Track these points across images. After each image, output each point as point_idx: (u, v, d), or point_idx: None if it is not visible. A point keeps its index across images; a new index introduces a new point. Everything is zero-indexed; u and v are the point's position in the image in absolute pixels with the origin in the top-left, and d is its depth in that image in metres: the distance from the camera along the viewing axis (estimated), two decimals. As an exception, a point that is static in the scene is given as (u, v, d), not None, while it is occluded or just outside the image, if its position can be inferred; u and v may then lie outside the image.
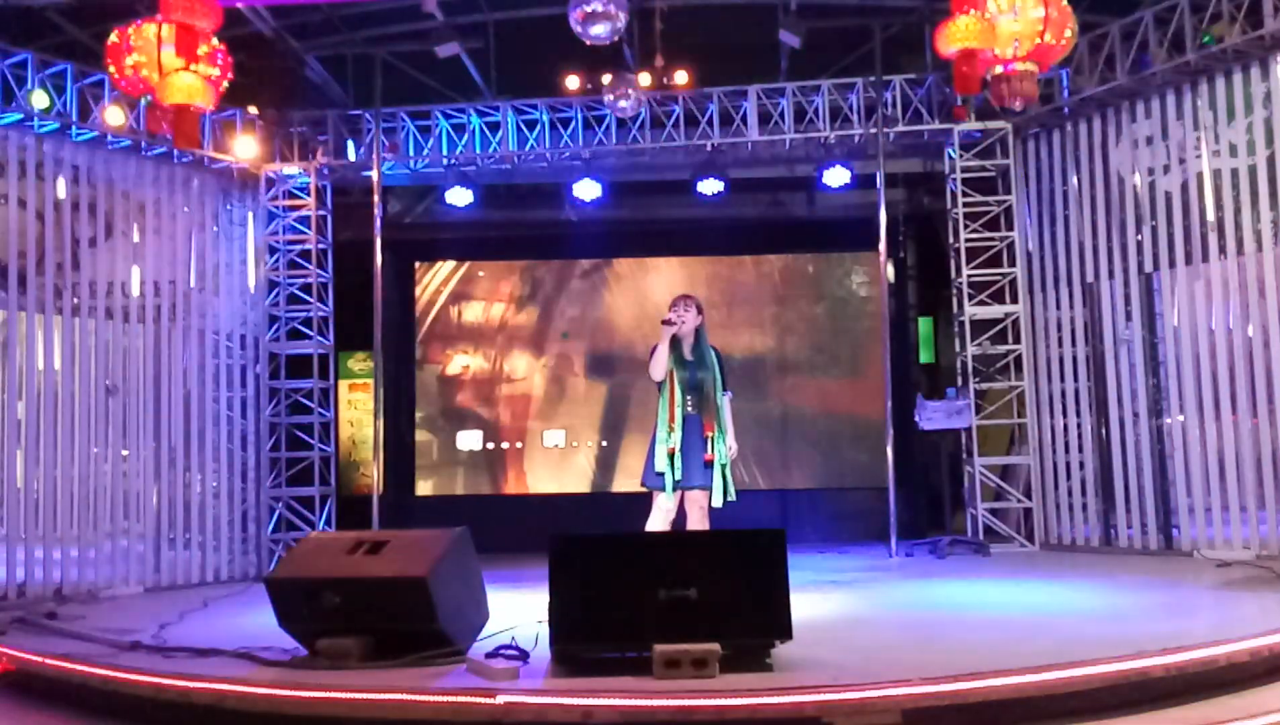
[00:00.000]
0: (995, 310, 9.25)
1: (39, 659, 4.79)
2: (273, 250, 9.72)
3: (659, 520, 5.92)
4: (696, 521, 5.96)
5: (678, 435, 5.88)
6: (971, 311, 9.28)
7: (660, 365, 5.96)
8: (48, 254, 8.01)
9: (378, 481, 9.89)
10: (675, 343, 6.02)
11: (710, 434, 5.93)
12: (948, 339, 10.27)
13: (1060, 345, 9.06)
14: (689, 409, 5.94)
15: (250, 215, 9.60)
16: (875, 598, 6.56)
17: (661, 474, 5.87)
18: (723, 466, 5.93)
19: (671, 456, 5.85)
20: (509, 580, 6.04)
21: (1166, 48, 7.97)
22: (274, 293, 9.67)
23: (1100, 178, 8.79)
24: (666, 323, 5.99)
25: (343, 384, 11.18)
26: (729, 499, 5.95)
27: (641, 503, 6.17)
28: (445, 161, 9.81)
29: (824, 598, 6.33)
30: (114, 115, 8.25)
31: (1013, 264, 9.28)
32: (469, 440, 11.06)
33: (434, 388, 11.20)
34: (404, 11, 8.99)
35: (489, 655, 4.31)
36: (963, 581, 7.15)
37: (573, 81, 9.32)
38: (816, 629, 4.99)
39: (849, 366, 10.92)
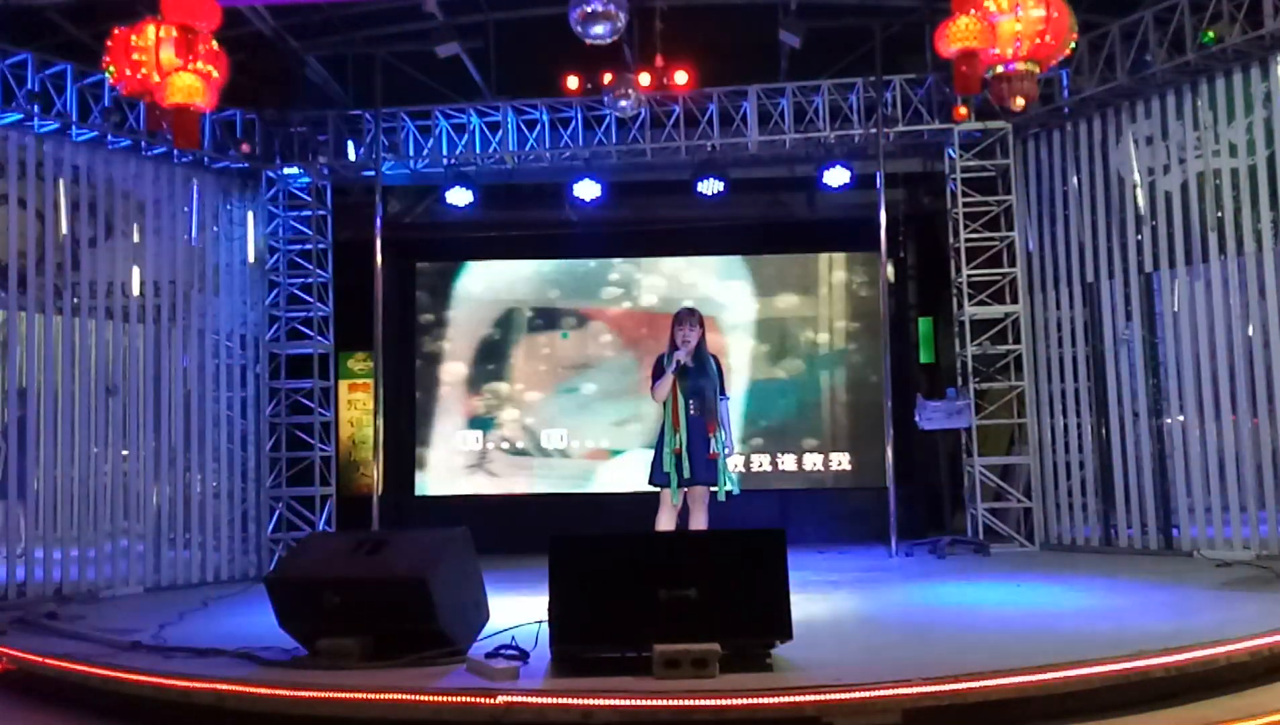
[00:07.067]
0: (995, 310, 9.25)
1: (39, 659, 4.80)
2: (273, 250, 9.72)
3: (666, 519, 6.19)
4: (697, 512, 6.25)
5: (682, 436, 6.15)
6: (971, 311, 9.28)
7: (663, 393, 6.21)
8: (48, 254, 8.01)
9: (378, 481, 9.89)
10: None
11: (713, 433, 6.20)
12: (948, 339, 10.26)
13: (1060, 345, 9.06)
14: (692, 412, 6.20)
15: (250, 215, 9.60)
16: (875, 598, 6.56)
17: (668, 473, 6.14)
18: (724, 460, 6.22)
19: (678, 456, 6.12)
20: (509, 580, 6.04)
21: (1166, 48, 7.97)
22: (274, 293, 9.68)
23: (1100, 178, 8.79)
24: (674, 348, 6.20)
25: (343, 384, 11.17)
26: (731, 491, 6.22)
27: (642, 503, 6.34)
28: (445, 161, 9.80)
29: (824, 598, 6.34)
30: (114, 115, 8.25)
31: (1013, 264, 9.28)
32: (469, 440, 11.05)
33: (434, 385, 11.19)
34: (404, 11, 9.00)
35: (489, 655, 4.31)
36: (963, 582, 7.15)
37: (573, 81, 9.32)
38: (816, 629, 5.00)
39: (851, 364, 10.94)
